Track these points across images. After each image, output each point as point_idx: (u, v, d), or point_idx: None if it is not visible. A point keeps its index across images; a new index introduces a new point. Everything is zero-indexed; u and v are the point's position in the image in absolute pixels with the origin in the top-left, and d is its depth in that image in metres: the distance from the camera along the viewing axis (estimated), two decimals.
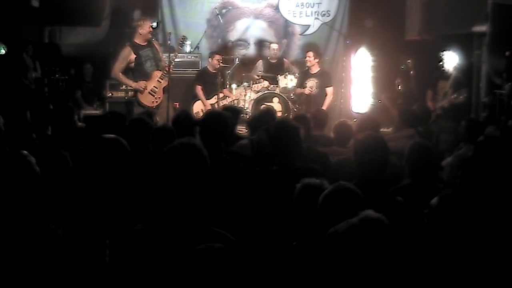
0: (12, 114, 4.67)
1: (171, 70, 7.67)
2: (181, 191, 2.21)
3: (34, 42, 9.08)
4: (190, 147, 2.24)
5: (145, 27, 7.59)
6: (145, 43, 7.68)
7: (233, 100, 9.16)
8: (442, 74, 8.14)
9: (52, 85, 9.03)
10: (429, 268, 2.55)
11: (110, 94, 9.36)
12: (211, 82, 8.96)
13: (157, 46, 7.86)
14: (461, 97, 7.72)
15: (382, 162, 3.26)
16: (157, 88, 7.57)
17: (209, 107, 8.75)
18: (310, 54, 8.85)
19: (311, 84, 8.78)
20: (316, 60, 8.82)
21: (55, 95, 8.85)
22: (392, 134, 6.21)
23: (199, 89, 8.97)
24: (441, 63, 8.09)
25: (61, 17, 8.78)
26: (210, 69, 9.06)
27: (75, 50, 9.71)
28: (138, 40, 7.67)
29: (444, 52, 8.11)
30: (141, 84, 7.50)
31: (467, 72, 8.17)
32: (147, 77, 7.59)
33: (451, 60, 8.02)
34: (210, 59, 9.14)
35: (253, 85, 9.17)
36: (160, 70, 7.58)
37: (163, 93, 7.61)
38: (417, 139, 4.65)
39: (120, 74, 7.62)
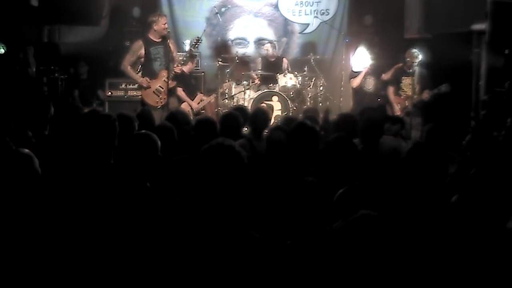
0: (9, 112, 4.66)
1: (179, 71, 7.52)
2: (220, 192, 2.17)
3: (34, 41, 9.07)
4: (228, 148, 2.22)
5: (160, 23, 7.48)
6: (159, 40, 7.51)
7: (228, 98, 9.10)
8: (405, 70, 8.44)
9: (51, 84, 9.02)
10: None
11: (110, 93, 9.33)
12: (188, 84, 8.65)
13: (171, 46, 7.64)
14: (443, 89, 7.99)
15: None
16: (162, 88, 7.46)
17: (196, 107, 8.38)
18: None
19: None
20: None
21: (54, 94, 8.84)
22: None
23: (180, 91, 8.34)
24: (406, 60, 8.34)
25: (60, 16, 8.75)
26: (186, 71, 8.57)
27: (74, 49, 9.70)
28: (152, 36, 7.53)
29: (409, 49, 8.38)
30: (144, 80, 7.45)
31: (430, 68, 8.37)
32: (154, 75, 7.51)
33: (415, 56, 8.27)
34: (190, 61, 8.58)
35: (252, 84, 9.15)
36: (168, 70, 7.40)
37: (169, 94, 7.48)
38: None
39: (129, 67, 7.54)
